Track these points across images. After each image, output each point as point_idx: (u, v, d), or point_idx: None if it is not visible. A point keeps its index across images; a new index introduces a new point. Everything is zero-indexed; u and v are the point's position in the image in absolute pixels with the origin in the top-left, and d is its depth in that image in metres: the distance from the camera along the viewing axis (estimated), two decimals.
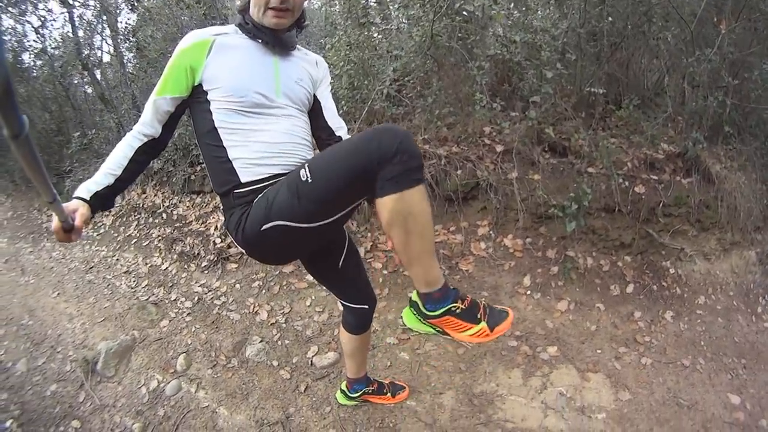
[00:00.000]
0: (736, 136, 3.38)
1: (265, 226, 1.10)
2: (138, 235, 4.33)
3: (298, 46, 1.38)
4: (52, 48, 7.04)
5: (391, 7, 3.85)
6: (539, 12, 3.83)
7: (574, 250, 2.94)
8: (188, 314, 3.05)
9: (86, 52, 6.55)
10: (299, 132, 1.31)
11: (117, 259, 4.06)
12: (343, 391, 2.10)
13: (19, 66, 6.85)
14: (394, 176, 0.95)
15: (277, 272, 3.18)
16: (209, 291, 3.23)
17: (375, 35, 3.55)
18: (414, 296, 1.15)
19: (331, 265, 1.51)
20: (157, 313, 3.15)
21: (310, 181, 1.03)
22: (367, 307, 1.61)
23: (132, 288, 3.53)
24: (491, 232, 3.02)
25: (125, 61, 6.23)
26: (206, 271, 3.44)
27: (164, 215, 4.36)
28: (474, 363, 2.34)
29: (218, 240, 3.55)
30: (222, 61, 1.22)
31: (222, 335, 2.78)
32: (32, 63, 7.17)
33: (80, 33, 6.64)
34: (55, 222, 1.04)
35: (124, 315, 3.20)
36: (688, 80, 3.27)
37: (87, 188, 1.17)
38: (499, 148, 3.13)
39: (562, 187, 3.02)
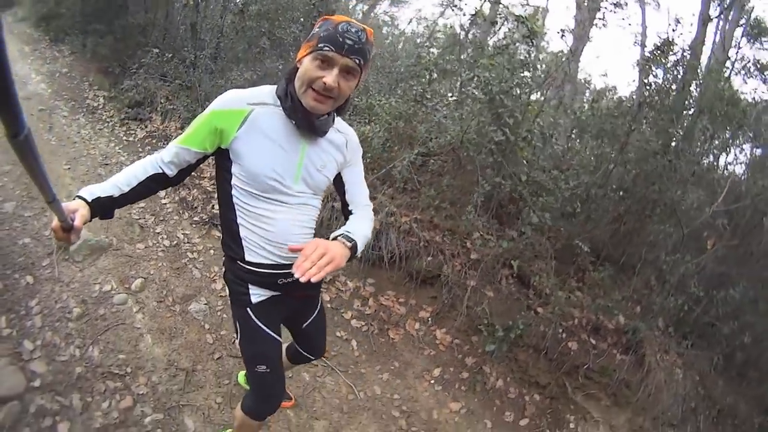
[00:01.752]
0: (693, 337, 3.83)
1: (237, 330, 1.58)
2: None
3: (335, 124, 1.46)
4: None
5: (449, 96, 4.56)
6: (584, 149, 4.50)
7: (491, 368, 3.41)
8: (162, 251, 3.65)
9: None
10: (307, 222, 1.47)
11: None
12: (246, 375, 2.49)
13: None
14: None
15: None
16: (188, 242, 3.85)
17: (421, 112, 4.25)
18: None
19: (295, 323, 1.78)
20: (139, 234, 3.76)
21: (255, 371, 1.56)
22: (312, 357, 1.93)
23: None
24: (430, 319, 3.59)
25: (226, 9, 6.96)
26: (194, 225, 4.08)
27: None
28: (355, 412, 2.84)
29: (217, 207, 4.17)
30: (251, 138, 1.31)
31: (179, 282, 3.37)
32: None
33: None
34: (54, 221, 1.09)
35: (113, 221, 3.78)
36: (658, 275, 3.82)
37: (90, 191, 1.24)
38: (473, 256, 3.73)
39: (507, 312, 3.56)
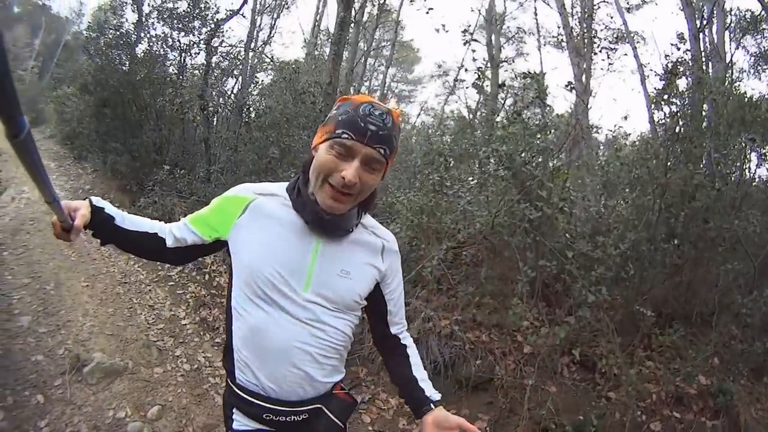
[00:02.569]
0: None
1: None
2: (177, 280, 4.96)
3: (362, 222, 1.24)
4: (190, 70, 8.55)
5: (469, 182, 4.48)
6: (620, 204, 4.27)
7: None
8: (182, 375, 3.41)
9: (210, 95, 7.84)
10: (321, 348, 1.16)
11: (150, 290, 4.63)
12: None
13: (156, 77, 7.96)
14: None
15: None
16: (209, 366, 3.61)
17: (444, 202, 4.13)
18: None
19: None
20: (157, 358, 3.55)
21: None
22: None
23: (148, 324, 4.00)
24: (488, 428, 3.16)
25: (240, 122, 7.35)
26: (216, 348, 3.86)
27: (207, 276, 5.00)
28: None
29: None
30: (250, 230, 1.17)
31: (200, 410, 3.08)
32: (171, 76, 8.33)
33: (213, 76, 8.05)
34: (54, 220, 1.07)
35: (129, 342, 3.65)
36: (738, 321, 3.42)
37: (99, 200, 1.20)
38: (526, 349, 3.39)
39: (575, 406, 3.16)
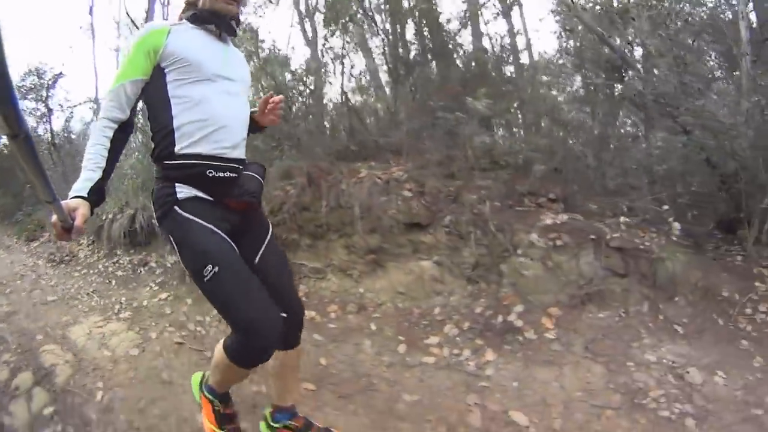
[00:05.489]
0: None
1: (174, 244, 1.46)
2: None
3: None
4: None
5: None
6: None
7: None
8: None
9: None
10: (240, 113, 1.57)
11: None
12: (266, 419, 1.85)
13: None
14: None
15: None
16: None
17: None
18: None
19: (246, 254, 1.55)
20: None
21: (206, 280, 1.37)
22: (285, 315, 1.51)
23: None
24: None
25: None
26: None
27: None
28: None
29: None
30: (179, 41, 1.48)
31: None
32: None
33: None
34: (54, 219, 1.14)
35: None
36: None
37: (83, 186, 1.32)
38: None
39: None
